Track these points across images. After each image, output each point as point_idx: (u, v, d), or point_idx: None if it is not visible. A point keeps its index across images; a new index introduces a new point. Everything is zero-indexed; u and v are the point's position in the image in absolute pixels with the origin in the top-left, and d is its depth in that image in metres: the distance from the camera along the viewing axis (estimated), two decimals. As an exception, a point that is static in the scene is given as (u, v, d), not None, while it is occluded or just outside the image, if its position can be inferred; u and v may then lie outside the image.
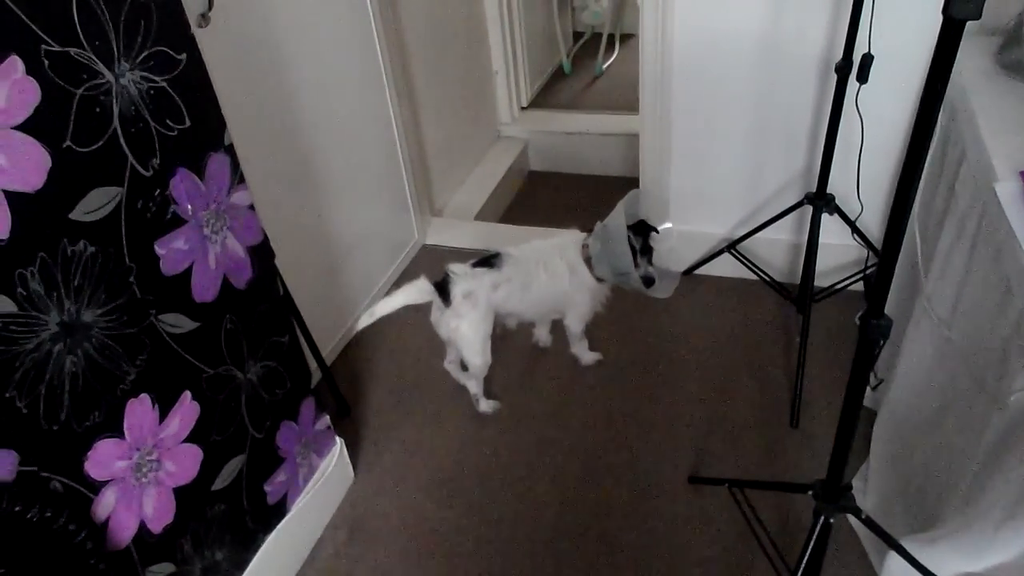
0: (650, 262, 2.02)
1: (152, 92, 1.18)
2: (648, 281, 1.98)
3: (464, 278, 1.91)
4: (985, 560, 1.08)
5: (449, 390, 2.18)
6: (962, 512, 1.18)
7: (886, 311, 1.07)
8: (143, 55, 1.15)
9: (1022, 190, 1.25)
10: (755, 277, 2.42)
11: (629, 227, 1.93)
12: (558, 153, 3.54)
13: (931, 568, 1.18)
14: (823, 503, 1.30)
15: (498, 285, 1.93)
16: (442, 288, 1.91)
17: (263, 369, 1.54)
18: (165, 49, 1.20)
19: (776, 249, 2.42)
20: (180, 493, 1.36)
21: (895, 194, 0.99)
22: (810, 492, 1.33)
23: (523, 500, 1.86)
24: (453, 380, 2.17)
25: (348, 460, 1.92)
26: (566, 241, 2.06)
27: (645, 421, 2.04)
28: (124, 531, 1.25)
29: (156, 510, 1.31)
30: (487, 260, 1.96)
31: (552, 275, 2.01)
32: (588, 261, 2.01)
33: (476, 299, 1.90)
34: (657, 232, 2.04)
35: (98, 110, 1.09)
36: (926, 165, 1.68)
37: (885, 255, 1.02)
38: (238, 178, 1.41)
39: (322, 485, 1.79)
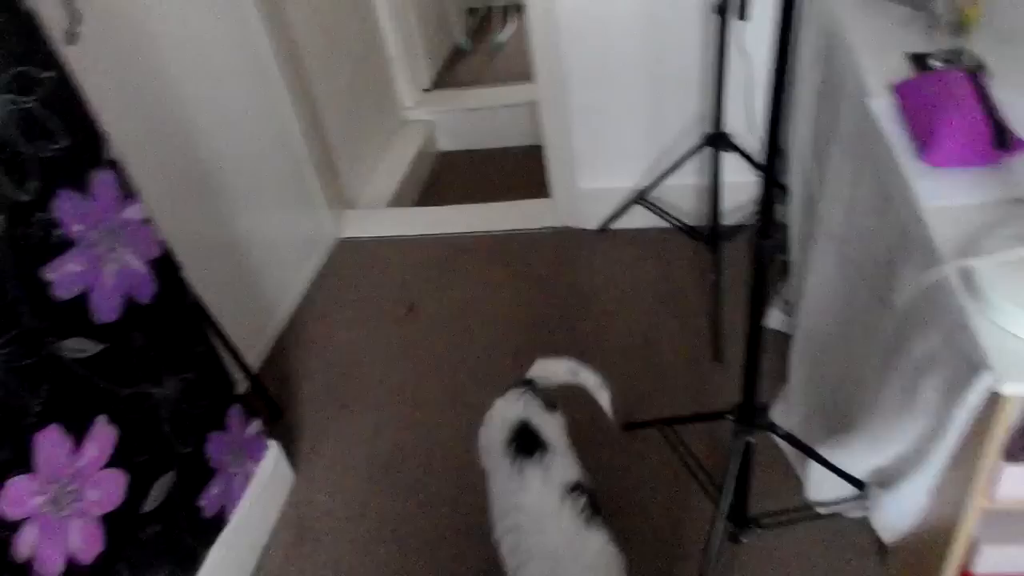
0: None
1: (21, 113, 1.14)
2: None
3: None
4: (887, 451, 1.13)
5: (380, 376, 2.17)
6: (868, 413, 1.24)
7: (792, 239, 1.11)
8: (3, 77, 1.11)
9: (895, 104, 1.30)
10: (667, 224, 2.47)
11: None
12: (466, 131, 3.54)
13: (846, 468, 1.24)
14: (741, 425, 1.35)
15: None
16: None
17: (182, 382, 1.51)
18: (27, 69, 1.15)
19: (684, 194, 2.48)
20: (108, 520, 1.32)
21: (769, 114, 1.02)
22: (729, 416, 1.37)
23: (465, 476, 1.87)
24: (382, 367, 2.14)
25: (286, 461, 1.90)
26: None
27: (577, 378, 2.06)
28: (50, 566, 1.21)
29: (84, 541, 1.27)
30: None
31: None
32: None
33: None
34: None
35: (-45, 137, 1.05)
36: (815, 90, 1.75)
37: (766, 175, 1.06)
38: (128, 193, 1.37)
39: (261, 490, 1.77)
